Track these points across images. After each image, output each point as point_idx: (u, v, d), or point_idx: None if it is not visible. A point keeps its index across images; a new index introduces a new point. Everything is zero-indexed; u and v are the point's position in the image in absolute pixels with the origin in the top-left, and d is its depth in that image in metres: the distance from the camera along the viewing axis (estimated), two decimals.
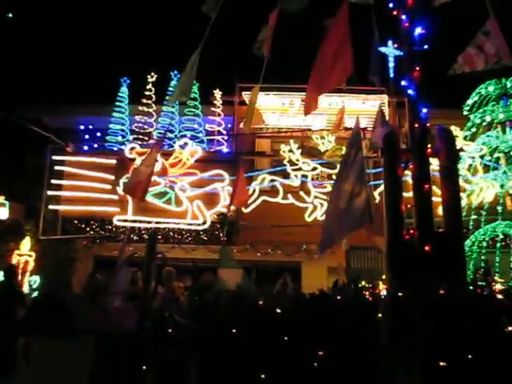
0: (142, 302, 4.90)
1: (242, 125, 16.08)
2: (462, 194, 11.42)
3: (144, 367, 4.38)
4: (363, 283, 5.50)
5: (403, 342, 3.98)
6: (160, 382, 4.37)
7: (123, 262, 6.35)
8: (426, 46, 5.86)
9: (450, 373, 3.80)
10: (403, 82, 5.75)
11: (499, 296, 4.13)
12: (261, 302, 4.85)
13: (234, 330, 4.55)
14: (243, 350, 4.47)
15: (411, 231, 5.19)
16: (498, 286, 4.58)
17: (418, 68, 5.70)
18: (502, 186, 10.73)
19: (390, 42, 7.43)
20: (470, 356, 3.86)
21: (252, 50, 7.98)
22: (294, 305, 4.78)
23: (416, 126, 5.50)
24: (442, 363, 3.81)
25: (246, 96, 15.77)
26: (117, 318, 4.92)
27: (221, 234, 14.42)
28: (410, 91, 5.63)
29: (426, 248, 5.00)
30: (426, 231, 5.20)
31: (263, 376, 4.42)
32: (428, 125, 5.59)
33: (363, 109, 16.03)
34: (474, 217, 10.84)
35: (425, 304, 3.95)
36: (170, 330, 4.55)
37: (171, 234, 14.87)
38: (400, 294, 4.20)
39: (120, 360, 4.44)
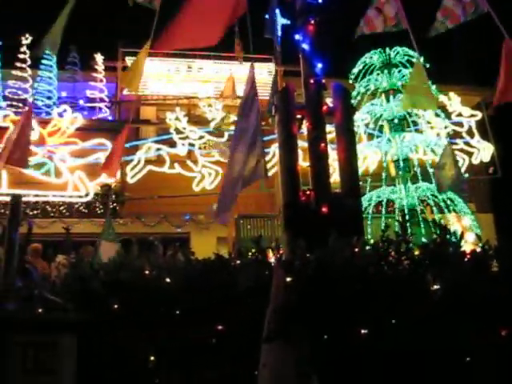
0: (4, 279, 4.24)
1: (126, 91, 15.20)
2: None
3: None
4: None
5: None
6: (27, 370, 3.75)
7: None
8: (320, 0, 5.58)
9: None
10: (297, 36, 5.42)
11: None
12: (147, 272, 4.33)
13: (115, 306, 4.03)
14: (128, 329, 3.97)
15: (307, 192, 4.94)
16: None
17: (312, 21, 5.41)
18: (385, 154, 10.93)
19: (277, 10, 7.15)
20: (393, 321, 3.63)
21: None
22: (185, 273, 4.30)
23: (311, 81, 5.20)
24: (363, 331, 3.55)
25: (129, 61, 14.85)
26: None
27: (101, 207, 13.64)
28: (304, 45, 5.32)
29: (323, 209, 4.78)
30: (322, 192, 4.97)
31: (152, 358, 3.96)
32: (323, 81, 5.32)
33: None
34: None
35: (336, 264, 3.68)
36: (39, 311, 3.94)
37: (50, 207, 13.80)
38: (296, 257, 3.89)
39: None
